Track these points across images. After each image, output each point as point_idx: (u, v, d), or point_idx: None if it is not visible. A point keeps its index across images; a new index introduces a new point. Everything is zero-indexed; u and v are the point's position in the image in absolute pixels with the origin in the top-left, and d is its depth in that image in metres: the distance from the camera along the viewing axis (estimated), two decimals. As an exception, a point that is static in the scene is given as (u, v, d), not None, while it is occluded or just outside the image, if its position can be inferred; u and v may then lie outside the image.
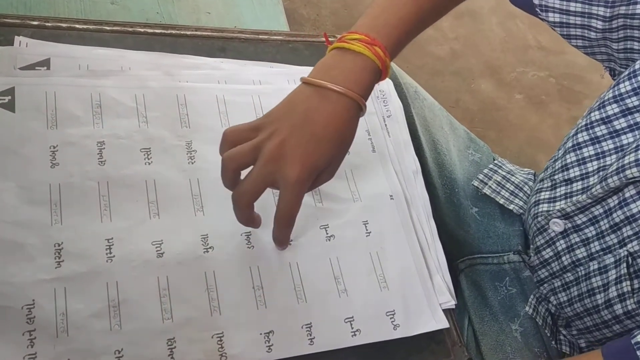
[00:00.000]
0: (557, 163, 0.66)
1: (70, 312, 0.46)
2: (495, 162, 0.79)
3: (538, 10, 0.62)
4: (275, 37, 0.70)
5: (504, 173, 0.77)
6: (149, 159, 0.56)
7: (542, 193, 0.67)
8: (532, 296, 0.66)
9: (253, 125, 0.51)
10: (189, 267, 0.52)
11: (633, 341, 0.50)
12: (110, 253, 0.50)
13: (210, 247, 0.53)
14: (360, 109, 0.54)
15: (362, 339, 0.54)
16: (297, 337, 0.52)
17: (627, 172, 0.53)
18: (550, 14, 0.61)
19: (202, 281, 0.51)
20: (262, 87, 0.65)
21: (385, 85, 0.73)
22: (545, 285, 0.65)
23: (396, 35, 0.56)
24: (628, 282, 0.55)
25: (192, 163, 0.57)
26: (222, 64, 0.65)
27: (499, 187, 0.75)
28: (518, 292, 0.69)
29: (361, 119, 0.66)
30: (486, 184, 0.75)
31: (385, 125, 0.69)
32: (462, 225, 0.75)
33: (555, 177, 0.65)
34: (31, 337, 0.45)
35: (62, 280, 0.47)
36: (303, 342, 0.52)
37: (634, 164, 0.53)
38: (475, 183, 0.75)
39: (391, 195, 0.64)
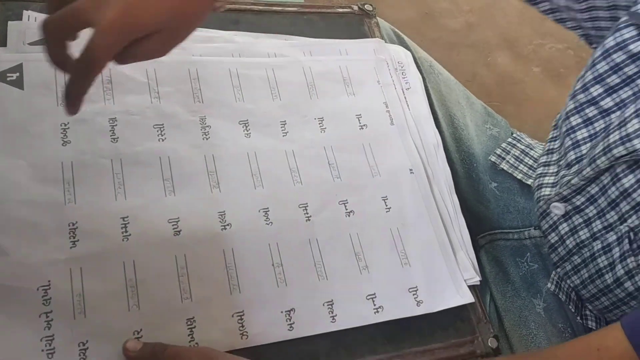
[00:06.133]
0: (556, 148, 0.65)
1: (87, 293, 0.45)
2: (514, 135, 0.77)
3: None
4: (289, 9, 0.68)
5: (522, 147, 0.75)
6: (162, 136, 0.54)
7: (546, 177, 0.66)
8: (553, 272, 0.65)
9: None
10: (206, 245, 0.50)
11: None
12: (126, 232, 0.48)
13: (228, 224, 0.52)
14: None
15: (384, 316, 0.53)
16: (318, 315, 0.51)
17: (614, 150, 0.54)
18: None
19: (220, 259, 0.50)
20: (277, 60, 0.63)
21: (404, 57, 0.71)
22: (559, 269, 0.64)
23: None
24: (632, 258, 0.54)
25: (207, 139, 0.56)
26: (236, 37, 0.63)
27: (517, 162, 0.74)
28: (540, 267, 0.68)
29: (378, 90, 0.64)
30: (504, 158, 0.74)
31: (405, 97, 0.67)
32: (482, 200, 0.74)
33: (556, 161, 0.65)
34: (48, 319, 0.44)
35: (77, 261, 0.46)
36: (325, 319, 0.51)
37: (619, 142, 0.53)
38: (493, 158, 0.73)
39: (411, 169, 0.62)
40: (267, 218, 0.54)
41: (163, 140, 0.54)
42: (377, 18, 0.74)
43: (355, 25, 0.71)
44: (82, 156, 0.50)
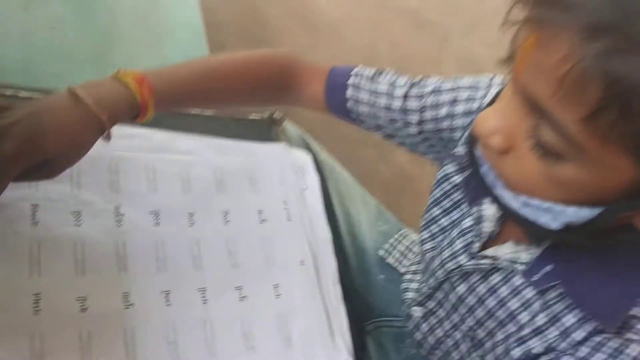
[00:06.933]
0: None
1: (-6, 362, 0.50)
2: (401, 232, 0.88)
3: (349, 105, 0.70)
4: (206, 112, 0.78)
5: (407, 244, 0.86)
6: (78, 221, 0.60)
7: (412, 283, 0.76)
8: None
9: (3, 105, 0.52)
10: (110, 322, 0.56)
11: None
12: (38, 307, 0.54)
13: (131, 304, 0.58)
14: (102, 129, 0.54)
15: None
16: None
17: (446, 265, 0.64)
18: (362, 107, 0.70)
19: (121, 335, 0.56)
20: (190, 158, 0.72)
21: (305, 161, 0.81)
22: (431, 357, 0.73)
23: (170, 90, 0.60)
24: (475, 354, 0.64)
25: (120, 226, 0.62)
26: (155, 135, 0.71)
27: (402, 257, 0.84)
28: (417, 352, 0.77)
29: (279, 189, 0.74)
30: (390, 253, 0.84)
31: (302, 196, 0.77)
32: (370, 290, 0.83)
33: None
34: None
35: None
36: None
37: (449, 258, 0.64)
38: (381, 253, 0.84)
39: (302, 261, 0.71)
40: (167, 300, 0.60)
41: (79, 225, 0.60)
42: (288, 123, 0.85)
43: (264, 131, 0.81)
44: (2, 237, 0.56)
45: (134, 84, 0.56)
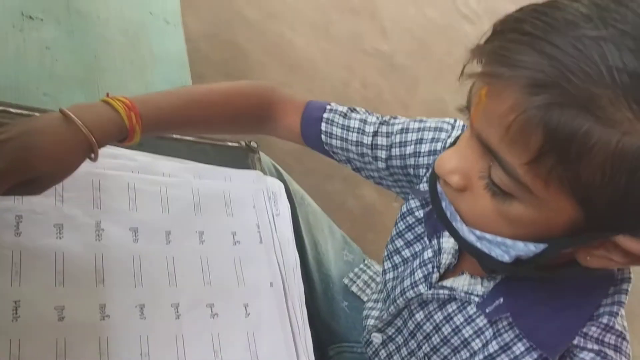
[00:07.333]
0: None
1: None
2: (365, 262, 0.92)
3: (323, 137, 0.75)
4: (187, 138, 0.81)
5: (371, 274, 0.90)
6: (60, 234, 0.63)
7: (373, 311, 0.80)
8: None
9: None
10: (85, 332, 0.58)
11: None
12: (17, 314, 0.56)
13: (107, 316, 0.61)
14: (90, 150, 0.57)
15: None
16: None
17: (407, 293, 0.68)
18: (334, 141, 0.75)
19: (96, 345, 0.58)
20: (170, 179, 0.75)
21: (278, 189, 0.85)
22: None
23: (156, 116, 0.63)
24: None
25: (99, 240, 0.65)
26: (137, 156, 0.75)
27: (365, 286, 0.88)
28: None
29: (253, 213, 0.77)
30: (355, 282, 0.88)
31: (274, 222, 0.81)
32: (334, 316, 0.86)
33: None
34: None
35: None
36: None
37: (409, 287, 0.68)
38: (346, 281, 0.88)
39: (271, 283, 0.74)
40: (142, 313, 0.63)
41: (61, 238, 0.63)
42: (260, 153, 0.89)
43: (241, 158, 0.85)
44: (-14, 245, 0.58)
45: (123, 109, 0.59)
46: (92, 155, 0.58)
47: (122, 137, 0.60)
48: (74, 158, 0.57)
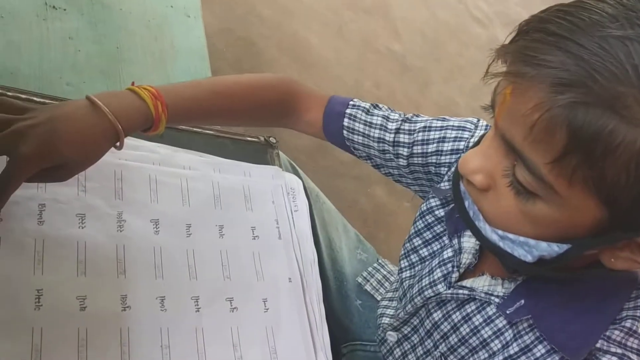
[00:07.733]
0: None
1: (-6, 352, 0.51)
2: (379, 262, 0.92)
3: (345, 132, 0.75)
4: (207, 131, 0.81)
5: (384, 273, 0.90)
6: (82, 224, 0.63)
7: (388, 309, 0.80)
8: None
9: (25, 107, 0.55)
10: (107, 322, 0.58)
11: None
12: (39, 302, 0.56)
13: (128, 307, 0.60)
14: (116, 138, 0.57)
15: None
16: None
17: (425, 292, 0.68)
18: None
19: (117, 336, 0.58)
20: (190, 172, 0.75)
21: (296, 185, 0.85)
22: None
23: (182, 105, 0.63)
24: None
25: (121, 231, 0.65)
26: (158, 148, 0.75)
27: (379, 285, 0.88)
28: None
29: (272, 209, 0.77)
30: (368, 281, 0.88)
31: (293, 217, 0.81)
32: (347, 314, 0.86)
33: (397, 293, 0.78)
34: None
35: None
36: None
37: (428, 286, 0.68)
38: (359, 279, 0.87)
39: (290, 279, 0.74)
40: (162, 305, 0.63)
41: (83, 227, 0.63)
42: (278, 150, 0.89)
43: (260, 153, 0.85)
44: (10, 233, 0.58)
45: (150, 98, 0.59)
46: (118, 144, 0.58)
47: (147, 126, 0.60)
48: (100, 145, 0.57)
